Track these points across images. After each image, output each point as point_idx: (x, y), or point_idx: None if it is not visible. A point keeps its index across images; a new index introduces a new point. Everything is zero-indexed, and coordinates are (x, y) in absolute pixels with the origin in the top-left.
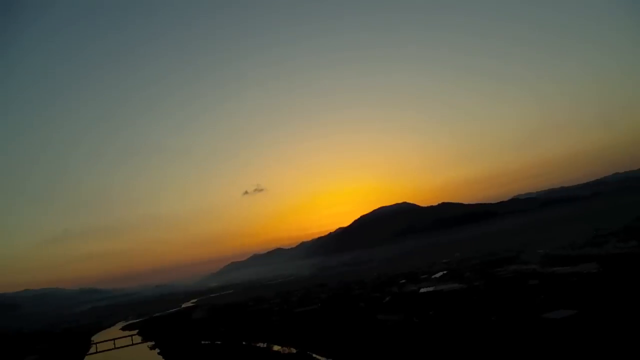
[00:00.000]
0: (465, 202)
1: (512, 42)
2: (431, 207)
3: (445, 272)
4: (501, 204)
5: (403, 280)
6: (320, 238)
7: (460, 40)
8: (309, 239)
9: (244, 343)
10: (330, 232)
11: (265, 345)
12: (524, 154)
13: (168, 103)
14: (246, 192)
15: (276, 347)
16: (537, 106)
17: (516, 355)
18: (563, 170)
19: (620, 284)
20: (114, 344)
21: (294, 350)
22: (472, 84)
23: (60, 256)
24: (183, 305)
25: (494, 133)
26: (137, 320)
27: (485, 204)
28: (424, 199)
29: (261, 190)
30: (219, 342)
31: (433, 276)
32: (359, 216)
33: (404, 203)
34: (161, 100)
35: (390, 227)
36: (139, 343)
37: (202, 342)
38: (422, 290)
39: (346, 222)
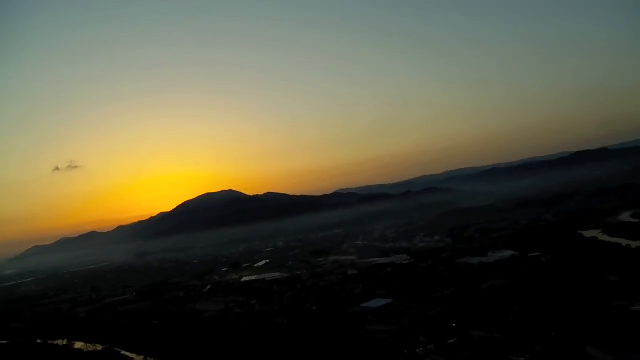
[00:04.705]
0: (290, 193)
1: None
2: (257, 196)
3: (268, 260)
4: (324, 197)
5: (225, 269)
6: (140, 222)
7: None
8: (128, 223)
9: (39, 341)
10: (152, 217)
11: (65, 343)
12: (346, 152)
13: None
14: (57, 169)
15: (79, 345)
16: (371, 109)
17: (333, 346)
18: (380, 170)
19: (427, 273)
20: None
21: (99, 348)
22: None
23: None
24: None
25: (319, 130)
26: None
27: (309, 196)
28: (250, 187)
29: (76, 167)
30: (5, 342)
31: (256, 264)
32: (182, 201)
33: (230, 190)
34: None
35: (215, 214)
36: None
37: None
38: (244, 279)
39: (169, 207)
